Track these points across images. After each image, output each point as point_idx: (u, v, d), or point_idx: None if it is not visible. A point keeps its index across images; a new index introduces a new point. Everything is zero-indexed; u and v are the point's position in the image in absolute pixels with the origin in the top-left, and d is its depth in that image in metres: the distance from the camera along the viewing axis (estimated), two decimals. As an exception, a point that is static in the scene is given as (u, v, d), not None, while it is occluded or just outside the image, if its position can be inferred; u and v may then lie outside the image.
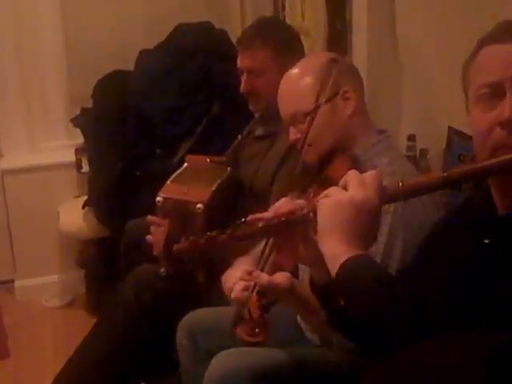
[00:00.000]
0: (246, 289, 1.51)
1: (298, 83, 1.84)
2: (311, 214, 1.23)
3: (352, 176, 1.20)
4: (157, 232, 2.23)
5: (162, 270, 2.23)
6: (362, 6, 2.53)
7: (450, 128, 2.13)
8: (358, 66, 2.25)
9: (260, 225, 1.30)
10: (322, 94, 1.78)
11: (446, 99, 2.00)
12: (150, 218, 2.28)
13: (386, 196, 1.19)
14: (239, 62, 2.41)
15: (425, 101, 2.33)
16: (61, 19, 3.54)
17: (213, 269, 2.07)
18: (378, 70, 2.46)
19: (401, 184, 1.18)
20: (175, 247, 1.42)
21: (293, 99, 1.85)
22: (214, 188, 2.26)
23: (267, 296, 1.46)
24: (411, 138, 2.28)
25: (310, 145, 1.80)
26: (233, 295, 1.54)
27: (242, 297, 1.50)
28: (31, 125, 3.62)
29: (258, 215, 1.32)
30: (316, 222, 1.21)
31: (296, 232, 1.30)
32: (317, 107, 1.76)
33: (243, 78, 2.39)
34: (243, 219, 1.33)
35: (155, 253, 2.25)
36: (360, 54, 2.57)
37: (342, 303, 1.14)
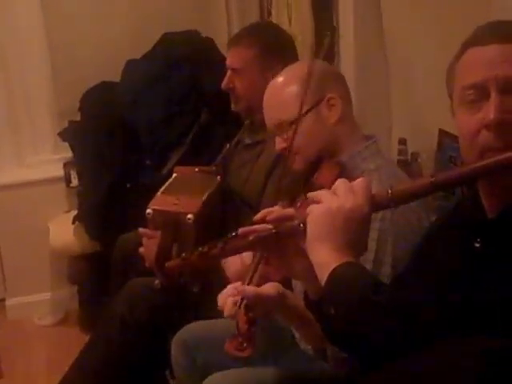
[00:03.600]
0: (235, 304, 1.48)
1: (283, 91, 1.82)
2: (302, 226, 1.22)
3: (340, 184, 1.19)
4: (149, 244, 2.21)
5: (157, 282, 2.20)
6: (349, 10, 2.51)
7: (440, 130, 2.13)
8: (346, 71, 2.25)
9: (251, 238, 1.29)
10: (306, 101, 1.76)
11: (435, 102, 1.98)
12: (141, 230, 2.26)
13: (376, 203, 1.18)
14: (227, 60, 2.43)
15: (415, 104, 2.33)
16: (45, 32, 3.51)
17: (207, 280, 2.05)
18: (366, 75, 2.45)
19: (390, 191, 1.17)
20: (167, 265, 1.41)
21: (277, 108, 1.83)
22: (204, 198, 2.24)
23: (254, 309, 1.44)
24: (402, 141, 2.28)
25: (296, 153, 1.78)
26: (225, 314, 1.52)
27: (232, 312, 1.48)
28: (18, 140, 3.58)
29: (250, 227, 1.31)
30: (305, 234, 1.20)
31: (288, 245, 1.29)
32: (301, 115, 1.74)
33: (226, 75, 2.40)
34: (234, 233, 1.32)
35: (147, 265, 2.23)
36: (347, 58, 2.55)
37: (332, 312, 1.12)
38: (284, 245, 1.30)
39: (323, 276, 1.14)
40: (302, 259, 1.24)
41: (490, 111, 1.14)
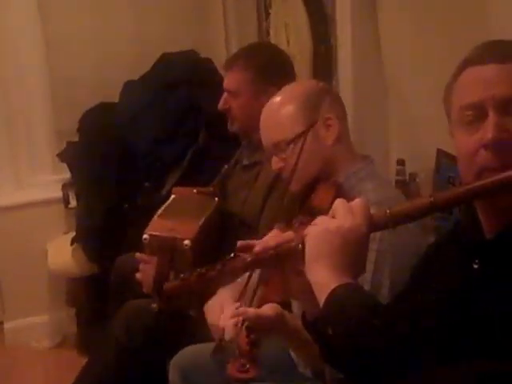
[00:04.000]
0: (235, 326, 1.49)
1: (280, 112, 1.82)
2: (300, 246, 1.21)
3: (339, 205, 1.19)
4: (146, 269, 2.20)
5: (154, 305, 2.19)
6: (346, 30, 2.51)
7: (438, 150, 2.12)
8: (344, 91, 2.24)
9: (249, 259, 1.28)
10: (304, 121, 1.75)
11: (433, 122, 1.99)
12: (137, 255, 2.24)
13: (374, 224, 1.17)
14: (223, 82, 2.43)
15: (413, 124, 2.32)
16: (45, 53, 3.50)
17: (205, 303, 2.04)
18: (364, 95, 2.45)
19: (388, 211, 1.16)
20: (165, 286, 1.40)
21: (274, 128, 1.83)
22: (201, 222, 2.23)
23: (256, 331, 1.43)
24: (400, 162, 2.28)
25: (293, 173, 1.77)
26: (227, 337, 1.51)
27: (233, 334, 1.48)
28: (16, 161, 3.56)
29: (248, 242, 1.31)
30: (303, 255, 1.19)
31: (286, 265, 1.28)
32: (299, 136, 1.73)
33: (222, 96, 2.41)
34: (232, 254, 1.31)
35: (145, 290, 2.22)
36: (345, 78, 2.55)
37: (331, 332, 1.10)
38: (282, 265, 1.29)
39: (322, 296, 1.13)
40: (300, 279, 1.23)
41: (487, 131, 1.14)
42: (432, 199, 1.13)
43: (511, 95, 1.15)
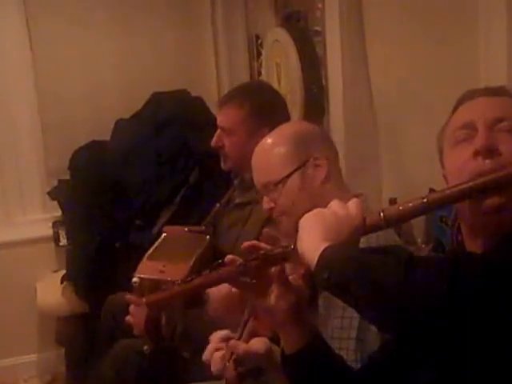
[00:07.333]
0: (223, 358, 1.48)
1: (270, 153, 1.83)
2: (292, 247, 1.21)
3: (335, 201, 1.23)
4: (136, 312, 2.17)
5: (146, 347, 2.17)
6: (337, 70, 2.54)
7: (430, 190, 2.12)
8: (336, 131, 2.26)
9: (238, 263, 1.28)
10: (293, 163, 1.76)
11: (425, 162, 2.00)
12: (128, 297, 2.22)
13: (368, 225, 1.19)
14: (217, 119, 2.43)
15: (405, 164, 2.33)
16: (35, 91, 3.53)
17: (197, 344, 2.02)
18: (356, 135, 2.47)
19: (382, 214, 1.18)
20: (147, 299, 1.39)
21: (265, 169, 1.84)
22: (191, 263, 2.21)
23: (244, 364, 1.45)
24: (392, 201, 2.28)
25: (283, 214, 1.78)
26: (212, 368, 1.50)
27: (220, 367, 1.48)
28: (6, 199, 3.56)
29: (236, 257, 1.31)
30: (295, 255, 1.19)
31: (273, 274, 1.30)
32: (286, 176, 1.74)
33: (216, 133, 2.41)
34: (219, 260, 1.31)
35: (136, 333, 2.19)
36: (337, 117, 2.57)
37: (326, 276, 1.07)
38: (269, 274, 1.30)
39: (314, 258, 1.11)
40: (285, 293, 1.29)
41: (478, 140, 1.18)
42: (425, 200, 1.16)
43: (500, 116, 1.20)
